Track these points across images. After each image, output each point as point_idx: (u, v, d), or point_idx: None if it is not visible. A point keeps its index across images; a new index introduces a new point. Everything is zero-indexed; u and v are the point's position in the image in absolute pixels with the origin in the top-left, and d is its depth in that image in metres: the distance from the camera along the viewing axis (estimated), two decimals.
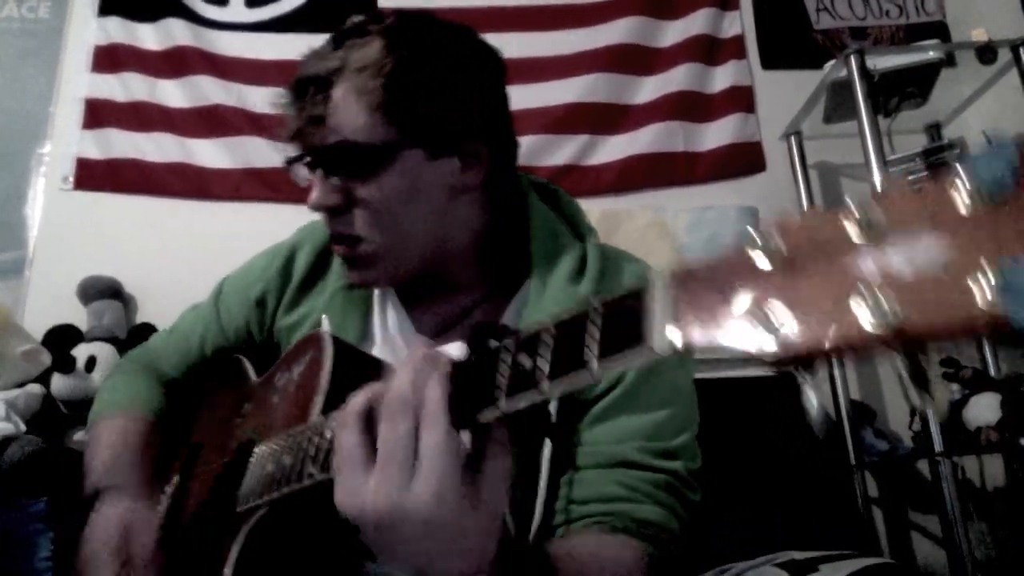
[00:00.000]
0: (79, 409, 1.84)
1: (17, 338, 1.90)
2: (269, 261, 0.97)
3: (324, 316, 0.89)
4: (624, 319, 0.39)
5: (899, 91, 2.09)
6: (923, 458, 1.88)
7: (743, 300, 0.34)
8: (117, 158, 2.29)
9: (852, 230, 0.32)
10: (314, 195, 0.79)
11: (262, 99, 2.30)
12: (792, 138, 2.31)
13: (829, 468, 1.90)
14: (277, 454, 0.65)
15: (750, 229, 0.35)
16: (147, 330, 1.96)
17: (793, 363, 0.32)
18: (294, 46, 2.22)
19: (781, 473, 1.68)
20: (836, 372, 2.02)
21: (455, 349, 0.81)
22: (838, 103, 2.13)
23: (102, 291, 2.07)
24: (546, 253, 0.86)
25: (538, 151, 2.29)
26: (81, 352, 1.88)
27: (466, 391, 0.47)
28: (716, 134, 2.36)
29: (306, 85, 0.78)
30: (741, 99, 2.40)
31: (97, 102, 2.33)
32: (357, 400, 0.49)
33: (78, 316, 2.05)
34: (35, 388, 1.85)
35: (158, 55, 2.37)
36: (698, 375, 0.89)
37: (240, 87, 2.33)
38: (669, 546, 0.75)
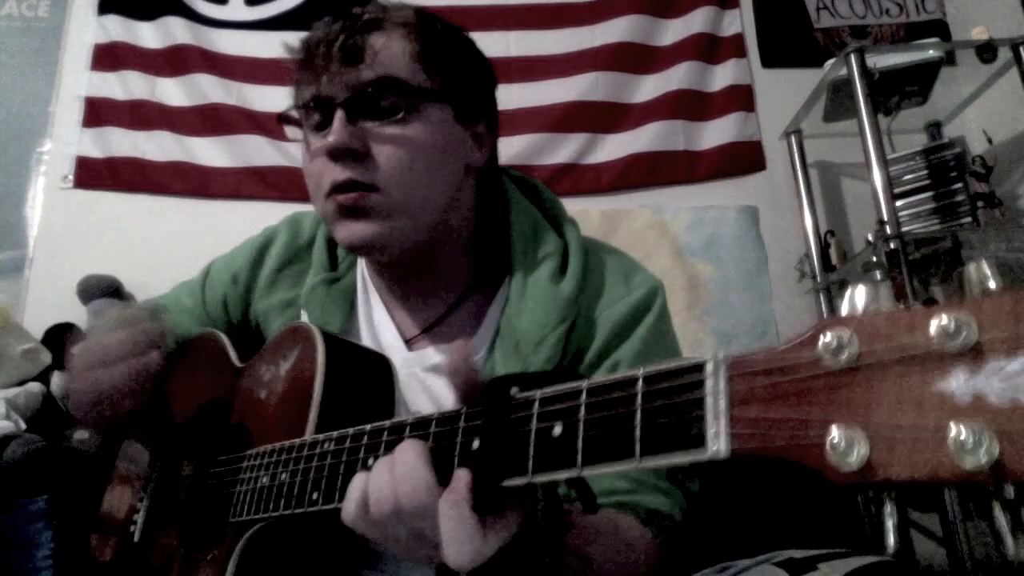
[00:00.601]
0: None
1: (17, 337, 1.90)
2: (251, 244, 0.97)
3: (303, 311, 0.86)
4: (674, 409, 0.35)
5: (899, 90, 2.09)
6: None
7: (808, 409, 0.30)
8: (117, 157, 2.29)
9: (943, 344, 0.27)
10: (334, 137, 0.74)
11: (262, 97, 2.31)
12: (792, 137, 2.31)
13: None
14: (272, 467, 0.64)
15: (825, 326, 0.30)
16: None
17: (863, 489, 0.29)
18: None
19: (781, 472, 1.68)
20: None
21: (437, 355, 0.81)
22: (838, 102, 2.13)
23: (102, 289, 2.07)
24: (526, 248, 0.84)
25: (538, 150, 2.29)
26: None
27: (490, 457, 0.44)
28: (716, 133, 2.36)
29: (340, 33, 0.77)
30: (741, 98, 2.40)
31: (97, 101, 2.33)
32: (351, 503, 0.51)
33: (78, 315, 2.05)
34: (35, 387, 1.85)
35: (158, 53, 2.37)
36: None
37: (240, 85, 2.33)
38: (674, 535, 0.75)
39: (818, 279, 2.16)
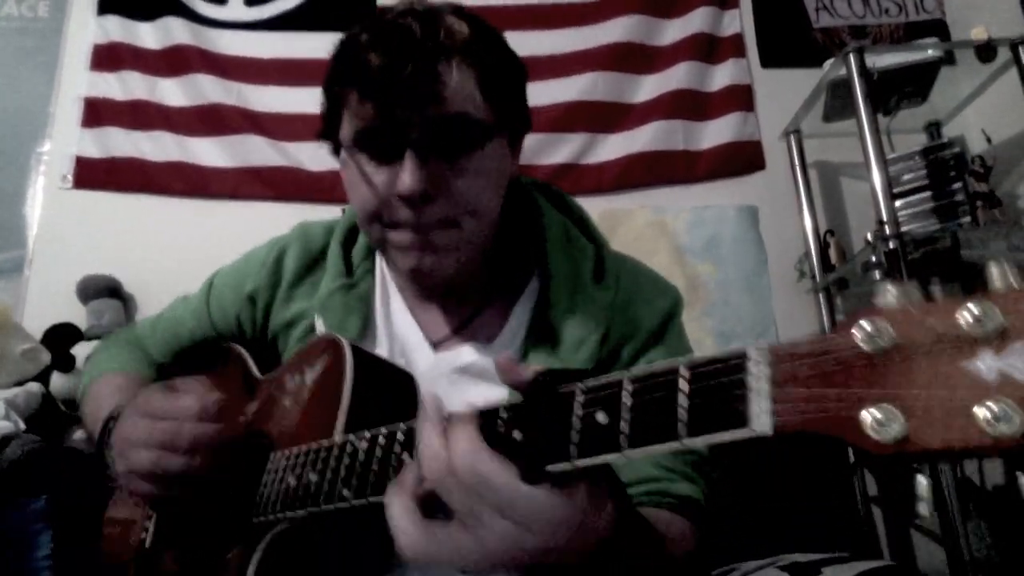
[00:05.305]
0: (79, 408, 1.84)
1: (17, 337, 1.90)
2: (263, 258, 0.95)
3: (318, 317, 0.86)
4: (718, 391, 0.37)
5: (898, 90, 2.09)
6: None
7: (847, 388, 0.33)
8: (116, 157, 2.29)
9: (971, 330, 0.31)
10: (409, 183, 0.71)
11: (261, 98, 2.30)
12: (791, 137, 2.31)
13: (829, 468, 1.90)
14: (298, 468, 0.64)
15: (861, 315, 0.33)
16: None
17: (902, 459, 0.31)
18: (293, 45, 2.25)
19: (782, 473, 1.68)
20: None
21: (466, 355, 0.81)
22: (837, 102, 2.13)
23: (101, 290, 2.07)
24: (561, 251, 0.86)
25: (538, 150, 2.29)
26: (80, 351, 1.88)
27: (535, 441, 0.44)
28: (715, 133, 2.37)
29: (405, 60, 0.69)
30: (740, 98, 2.40)
31: (96, 101, 2.33)
32: (403, 492, 0.48)
33: (77, 315, 2.06)
34: (34, 387, 1.85)
35: (157, 54, 2.37)
36: None
37: (239, 86, 2.32)
38: (703, 521, 0.77)
39: (818, 279, 2.16)
